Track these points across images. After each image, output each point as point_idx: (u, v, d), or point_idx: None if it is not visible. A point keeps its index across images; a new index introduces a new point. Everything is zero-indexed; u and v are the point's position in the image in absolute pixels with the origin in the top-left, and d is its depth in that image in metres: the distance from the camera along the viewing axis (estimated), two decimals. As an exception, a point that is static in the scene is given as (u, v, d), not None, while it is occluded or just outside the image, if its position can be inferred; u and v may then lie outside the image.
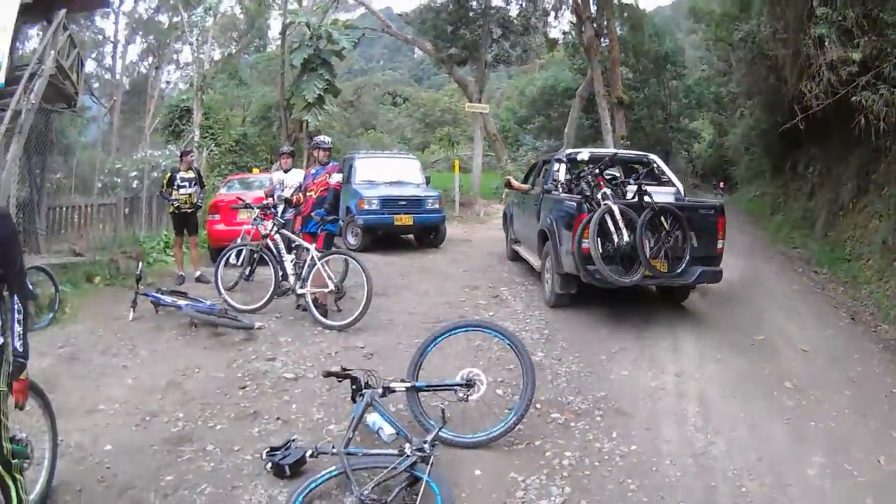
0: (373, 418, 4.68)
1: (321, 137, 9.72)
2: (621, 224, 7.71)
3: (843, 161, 14.50)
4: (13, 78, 11.27)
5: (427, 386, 5.08)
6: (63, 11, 12.04)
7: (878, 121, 10.39)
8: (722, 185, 43.54)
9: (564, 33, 35.05)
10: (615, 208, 7.75)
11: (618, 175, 9.91)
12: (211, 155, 23.37)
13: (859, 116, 10.80)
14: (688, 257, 7.86)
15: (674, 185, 10.34)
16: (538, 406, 5.68)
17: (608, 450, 5.04)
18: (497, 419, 5.13)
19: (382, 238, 14.12)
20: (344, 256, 8.95)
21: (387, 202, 13.64)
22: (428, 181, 15.66)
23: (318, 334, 7.76)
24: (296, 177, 10.52)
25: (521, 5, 28.36)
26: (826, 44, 11.52)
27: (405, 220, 13.63)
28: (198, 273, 10.87)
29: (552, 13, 30.94)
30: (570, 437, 5.25)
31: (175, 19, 27.99)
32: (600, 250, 7.63)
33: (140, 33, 40.03)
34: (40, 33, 13.48)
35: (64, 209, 13.25)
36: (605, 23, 30.04)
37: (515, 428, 5.03)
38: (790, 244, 15.58)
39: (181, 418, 5.45)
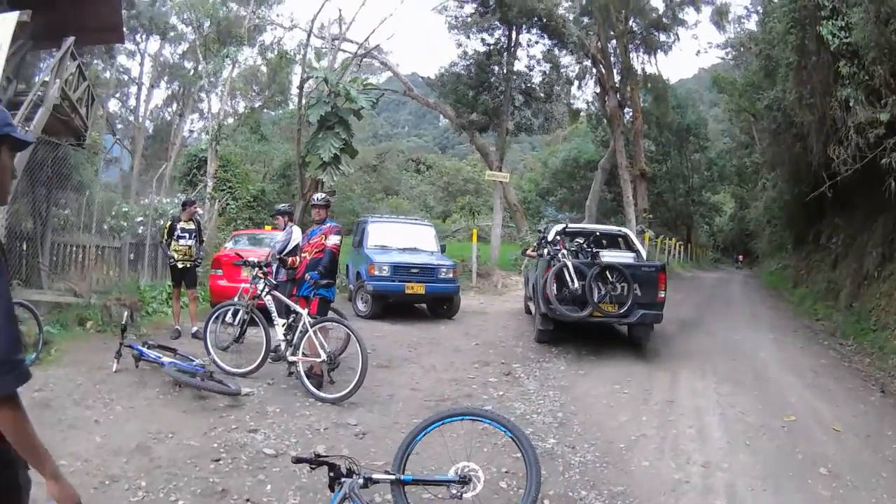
0: (349, 513, 4.01)
1: (316, 194, 9.30)
2: (573, 276, 10.28)
3: (867, 229, 14.69)
4: (14, 103, 11.01)
5: (415, 480, 4.45)
6: (71, 39, 11.77)
7: (908, 183, 10.42)
8: (742, 258, 45.71)
9: (588, 103, 35.23)
10: (569, 264, 10.40)
11: (581, 241, 11.81)
12: (227, 209, 23.13)
13: (889, 179, 10.88)
14: (630, 302, 10.21)
15: (637, 251, 12.68)
16: (546, 502, 5.16)
17: (627, 559, 4.40)
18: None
19: (393, 306, 13.67)
20: (345, 326, 8.27)
21: (398, 269, 13.25)
22: (443, 250, 15.35)
23: (309, 406, 7.24)
24: (284, 235, 10.14)
25: (545, 72, 28.33)
26: (853, 105, 11.72)
27: (417, 288, 13.20)
28: (194, 328, 10.49)
29: (576, 82, 31.22)
30: (582, 541, 4.62)
31: (199, 67, 27.93)
32: (556, 293, 10.29)
33: (165, 78, 40.10)
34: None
35: (69, 247, 12.87)
36: (629, 93, 30.21)
37: (519, 532, 4.32)
38: (814, 316, 15.70)
39: (142, 487, 4.96)
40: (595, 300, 10.15)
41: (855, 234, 15.76)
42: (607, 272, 10.39)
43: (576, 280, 10.25)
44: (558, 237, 11.80)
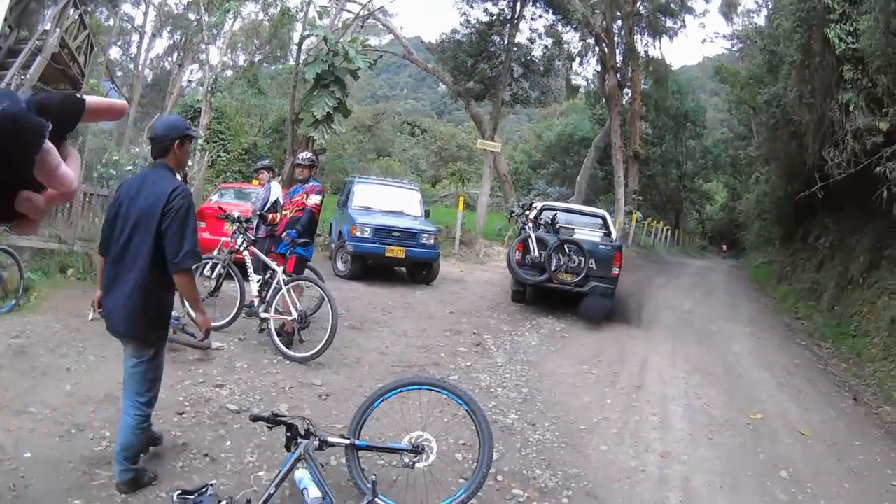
0: (301, 475, 4.07)
1: (301, 154, 9.20)
2: (535, 245, 11.73)
3: (856, 234, 14.68)
4: (14, 51, 11.02)
5: (369, 446, 4.55)
6: (73, -11, 11.71)
7: (901, 194, 10.38)
8: (725, 248, 45.67)
9: (587, 80, 35.29)
10: (532, 235, 11.90)
11: (551, 218, 12.85)
12: (218, 161, 23.01)
13: (882, 188, 10.85)
14: (584, 274, 11.54)
15: (609, 232, 13.48)
16: (499, 478, 5.22)
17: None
18: (447, 491, 4.55)
19: (373, 268, 13.67)
20: (318, 286, 8.25)
21: (380, 231, 13.17)
22: (427, 215, 15.26)
23: (277, 364, 7.31)
24: (264, 192, 10.12)
25: (546, 47, 28.29)
26: (852, 110, 11.78)
27: (397, 252, 13.17)
28: (172, 281, 10.45)
29: (577, 59, 31.29)
30: (530, 519, 4.67)
31: (203, 18, 27.64)
32: (518, 259, 11.86)
33: (168, 28, 39.71)
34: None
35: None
36: (630, 74, 30.17)
37: (467, 504, 4.43)
38: (795, 315, 15.67)
39: (107, 437, 4.97)
40: (552, 269, 11.55)
41: (843, 237, 15.80)
42: (566, 246, 11.73)
43: (536, 249, 11.72)
44: (527, 211, 13.13)
